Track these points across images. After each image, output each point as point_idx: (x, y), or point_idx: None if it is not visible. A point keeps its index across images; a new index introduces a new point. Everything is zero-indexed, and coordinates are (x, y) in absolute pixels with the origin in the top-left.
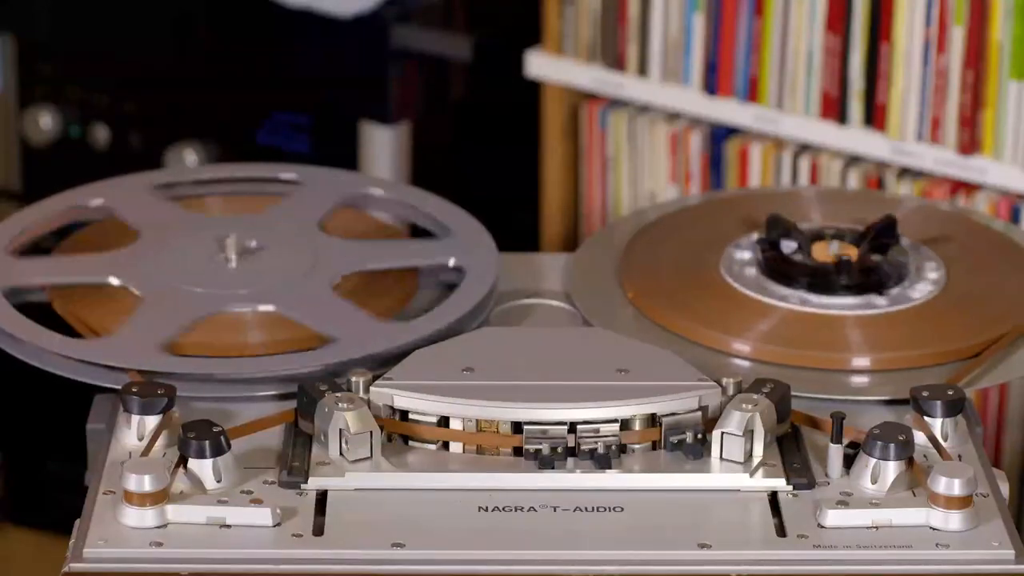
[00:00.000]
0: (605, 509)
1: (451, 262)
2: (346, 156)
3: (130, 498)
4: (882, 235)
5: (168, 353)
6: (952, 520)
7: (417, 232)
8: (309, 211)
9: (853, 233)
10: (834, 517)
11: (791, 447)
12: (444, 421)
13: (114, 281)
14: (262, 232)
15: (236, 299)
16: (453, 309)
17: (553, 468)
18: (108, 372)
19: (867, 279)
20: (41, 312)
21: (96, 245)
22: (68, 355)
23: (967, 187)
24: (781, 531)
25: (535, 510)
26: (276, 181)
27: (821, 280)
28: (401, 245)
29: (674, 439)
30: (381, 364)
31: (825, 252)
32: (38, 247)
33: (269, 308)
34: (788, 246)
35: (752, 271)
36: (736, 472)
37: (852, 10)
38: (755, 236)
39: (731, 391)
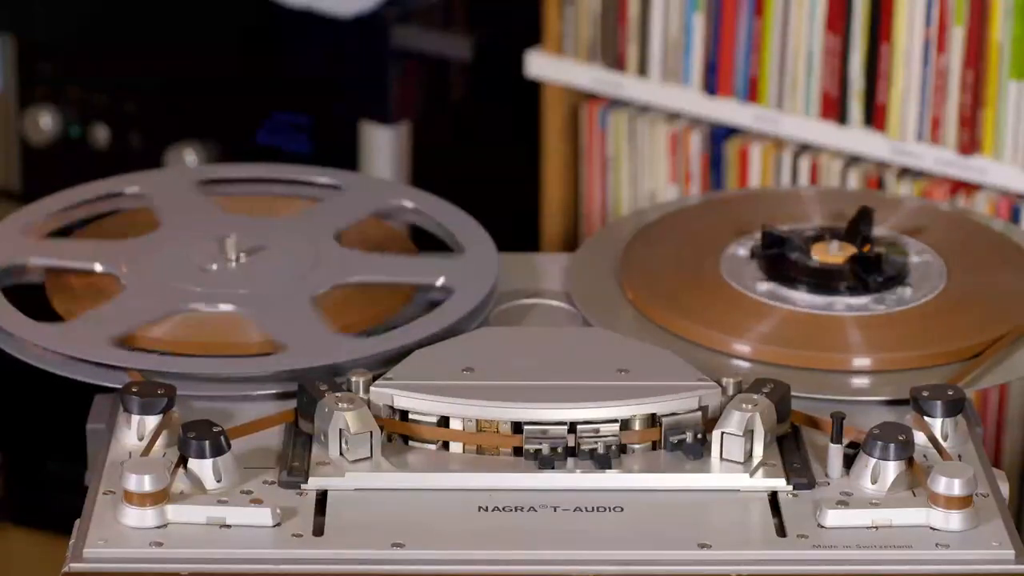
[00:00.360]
0: (605, 509)
1: (440, 282)
2: (346, 156)
3: (130, 498)
4: (858, 224)
5: (119, 347)
6: (952, 520)
7: (418, 233)
8: (336, 218)
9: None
10: (834, 517)
11: (791, 447)
12: (444, 421)
13: (99, 268)
14: (274, 235)
15: (202, 297)
16: (454, 309)
17: (553, 468)
18: (108, 372)
19: (867, 279)
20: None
21: (113, 233)
22: (35, 342)
23: (967, 187)
24: (781, 531)
25: (535, 510)
26: (313, 185)
27: (821, 280)
28: (399, 260)
29: (674, 439)
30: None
31: (825, 252)
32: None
33: (228, 308)
34: (788, 247)
35: (752, 271)
36: (736, 472)
37: (852, 10)
38: (756, 237)
39: (731, 391)
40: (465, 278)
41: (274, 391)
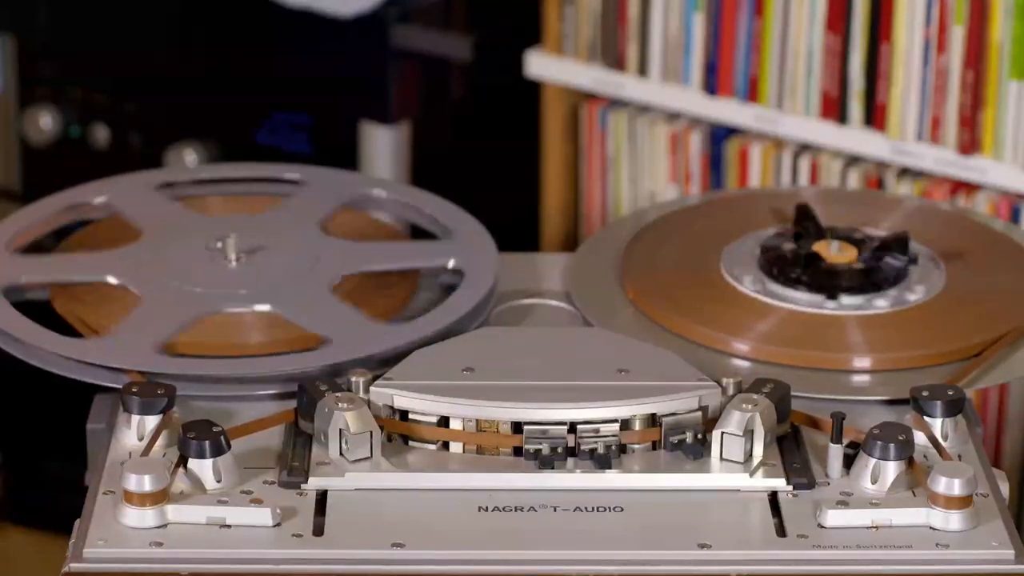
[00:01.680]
0: (605, 509)
1: (451, 263)
2: (346, 156)
3: (130, 498)
4: (894, 248)
5: (165, 353)
6: (952, 520)
7: (418, 233)
8: (311, 212)
9: (864, 237)
10: (834, 517)
11: (791, 447)
12: (444, 421)
13: (112, 280)
14: (263, 232)
15: (234, 299)
16: (453, 309)
17: (553, 468)
18: (108, 372)
19: (867, 279)
20: (41, 311)
21: (97, 243)
22: (67, 355)
23: (967, 187)
24: (781, 531)
25: (535, 510)
26: (279, 181)
27: (821, 280)
28: (401, 247)
29: (674, 439)
30: (378, 365)
31: (826, 252)
32: (40, 246)
33: (266, 308)
34: (788, 246)
35: (752, 271)
36: (736, 472)
37: (852, 10)
38: (756, 235)
39: (731, 391)
40: (471, 259)
41: (274, 391)
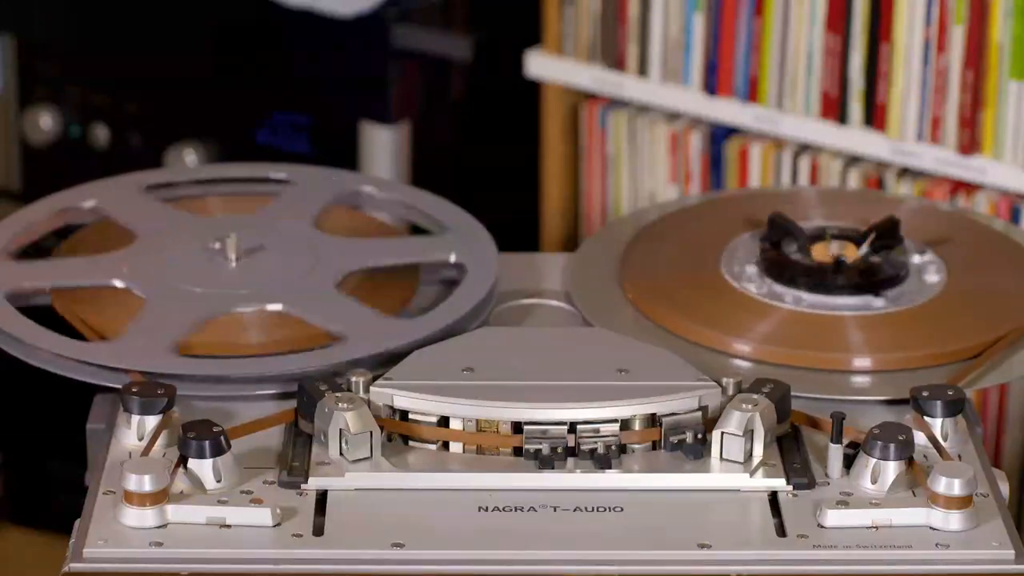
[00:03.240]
0: (605, 509)
1: (452, 258)
2: (346, 156)
3: (130, 498)
4: (884, 236)
5: (177, 354)
6: (952, 520)
7: (417, 232)
8: (301, 210)
9: (855, 233)
10: (834, 517)
11: (791, 447)
12: (444, 421)
13: (118, 283)
14: (258, 232)
15: (242, 299)
16: (453, 309)
17: (553, 468)
18: (109, 372)
19: (867, 279)
20: (41, 313)
21: (95, 247)
22: (81, 359)
23: (967, 187)
24: (781, 531)
25: (535, 510)
26: (267, 181)
27: (821, 280)
28: (401, 242)
29: (674, 439)
30: (386, 361)
31: (825, 252)
32: (37, 248)
33: (277, 307)
34: (788, 246)
35: (752, 271)
36: (736, 472)
37: (852, 10)
38: (756, 235)
39: (731, 391)
40: (472, 254)
41: (274, 391)
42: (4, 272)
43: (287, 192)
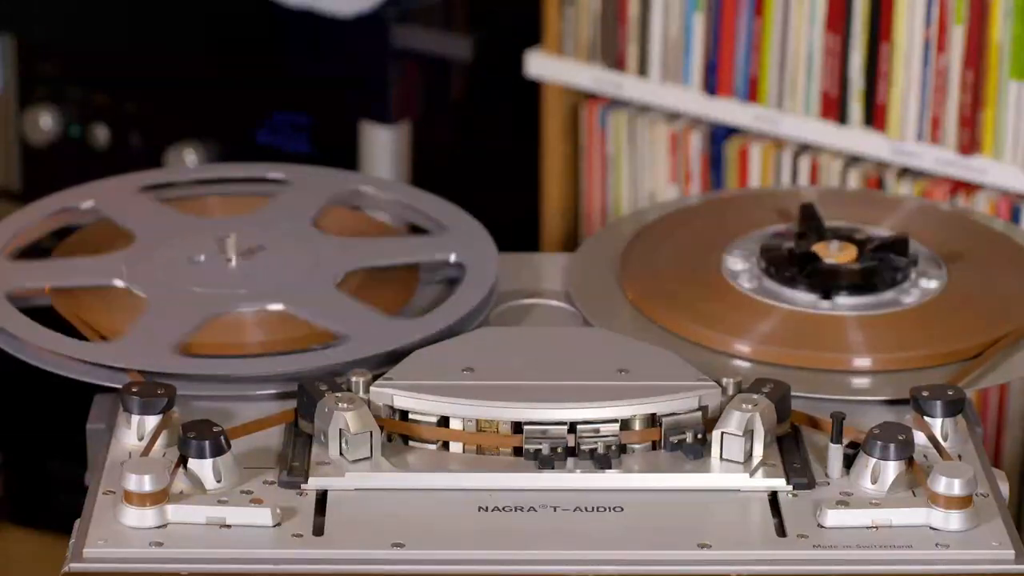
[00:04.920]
0: (605, 509)
1: (452, 257)
2: (346, 156)
3: (130, 498)
4: (891, 249)
5: (177, 354)
6: (952, 520)
7: (417, 232)
8: (300, 210)
9: (860, 235)
10: (834, 517)
11: (791, 447)
12: (444, 421)
13: (118, 283)
14: (258, 232)
15: (242, 299)
16: (453, 309)
17: (553, 468)
18: (108, 372)
19: (867, 279)
20: (41, 313)
21: (94, 247)
22: (83, 359)
23: (967, 187)
24: (781, 531)
25: (535, 510)
26: (264, 181)
27: (821, 280)
28: (401, 242)
29: (674, 439)
30: (386, 361)
31: (826, 252)
32: (37, 248)
33: (278, 307)
34: (788, 246)
35: (752, 271)
36: (736, 472)
37: (852, 10)
38: (756, 235)
39: (731, 391)
40: (472, 254)
41: (274, 391)
42: (4, 272)
43: (286, 192)
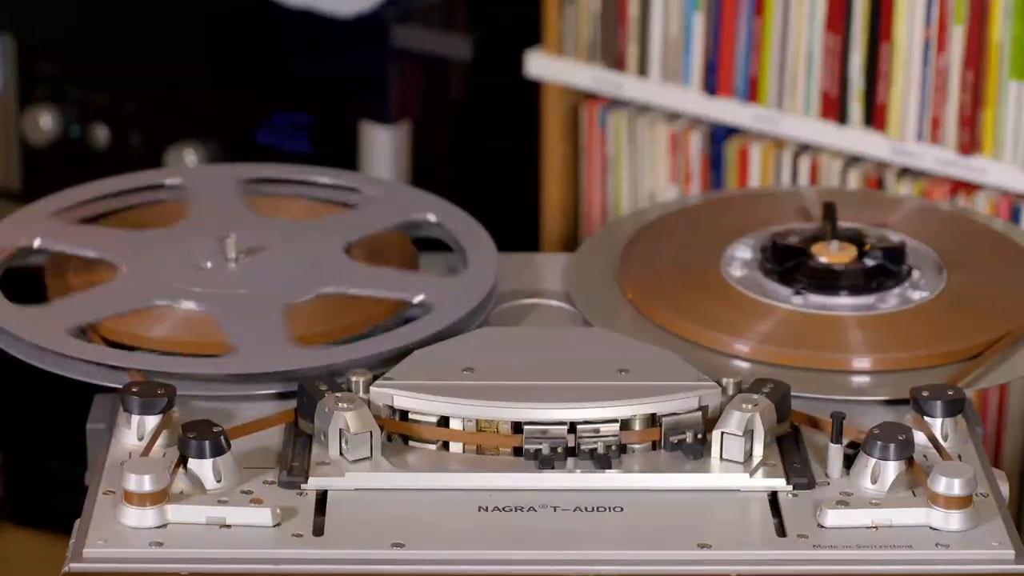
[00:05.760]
0: (605, 509)
1: (418, 299)
2: (346, 156)
3: (130, 498)
4: (888, 258)
5: (78, 337)
6: (952, 520)
7: (417, 236)
8: (355, 228)
9: (862, 236)
10: (834, 517)
11: (791, 447)
12: (444, 421)
13: (91, 254)
14: (258, 232)
15: (170, 293)
16: (453, 309)
17: (553, 468)
18: (108, 372)
19: (867, 279)
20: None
21: (135, 223)
22: (81, 359)
23: (967, 187)
24: (781, 531)
25: (535, 510)
26: (354, 190)
27: (821, 280)
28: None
29: (674, 439)
30: (386, 361)
31: (825, 252)
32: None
33: (191, 306)
34: (788, 246)
35: (752, 271)
36: (736, 472)
37: (852, 10)
38: (756, 235)
39: (731, 391)
40: (446, 297)
41: (274, 391)
42: (33, 226)
43: (362, 207)
